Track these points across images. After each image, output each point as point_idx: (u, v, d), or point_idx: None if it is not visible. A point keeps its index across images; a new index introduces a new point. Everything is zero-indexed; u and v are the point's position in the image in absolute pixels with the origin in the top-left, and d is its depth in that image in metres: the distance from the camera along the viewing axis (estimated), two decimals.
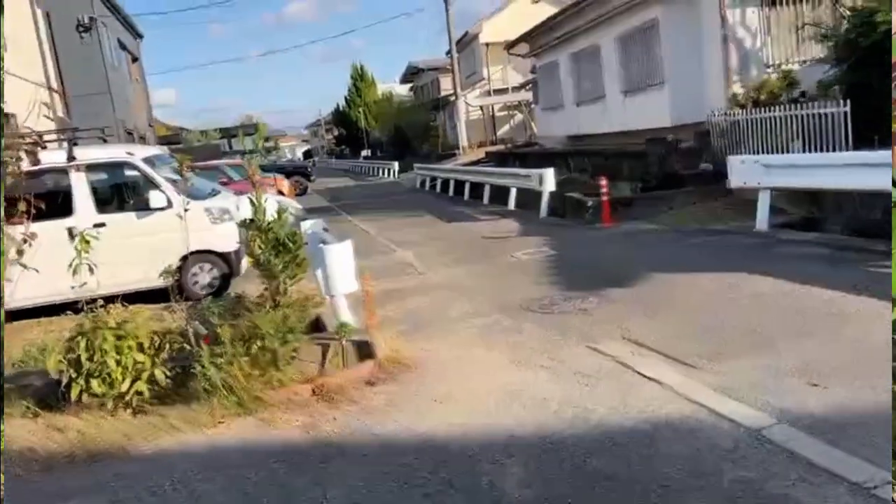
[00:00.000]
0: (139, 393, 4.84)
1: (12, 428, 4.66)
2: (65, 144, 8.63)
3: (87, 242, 5.25)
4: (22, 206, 5.57)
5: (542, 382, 4.79)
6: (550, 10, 22.02)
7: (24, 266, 5.32)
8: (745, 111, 11.84)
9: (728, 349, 4.93)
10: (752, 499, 3.08)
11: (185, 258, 8.74)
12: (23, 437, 4.56)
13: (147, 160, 9.01)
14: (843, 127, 9.58)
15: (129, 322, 4.88)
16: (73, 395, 4.76)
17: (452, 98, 37.17)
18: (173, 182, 8.86)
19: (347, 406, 4.75)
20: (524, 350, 5.55)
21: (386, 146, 52.71)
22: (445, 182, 22.32)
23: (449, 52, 36.04)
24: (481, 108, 37.35)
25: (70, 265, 5.22)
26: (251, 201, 5.68)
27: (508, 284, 8.04)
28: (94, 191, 8.74)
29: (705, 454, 3.51)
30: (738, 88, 12.86)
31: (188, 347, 4.98)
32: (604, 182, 11.69)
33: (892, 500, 2.91)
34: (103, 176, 9.16)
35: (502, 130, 37.15)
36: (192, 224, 8.53)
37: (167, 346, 5.03)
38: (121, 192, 9.36)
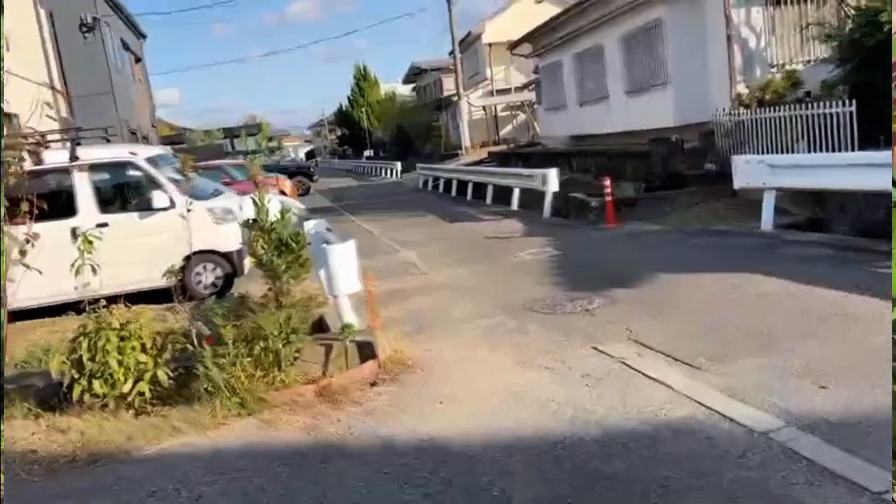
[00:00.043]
0: (141, 393, 4.82)
1: (14, 429, 4.65)
2: (68, 144, 8.62)
3: (90, 243, 5.24)
4: (25, 207, 5.55)
5: (547, 384, 4.76)
6: (553, 10, 21.98)
7: (27, 266, 5.30)
8: (749, 111, 11.79)
9: (733, 350, 4.90)
10: None
11: (188, 258, 8.74)
12: (25, 438, 4.55)
13: (150, 160, 9.01)
14: (849, 127, 9.53)
15: (132, 322, 4.87)
16: (75, 395, 4.75)
17: (455, 98, 37.14)
18: (176, 182, 8.86)
19: (351, 407, 4.73)
20: (528, 351, 5.52)
21: (389, 146, 52.73)
22: (448, 182, 22.30)
23: (452, 53, 36.03)
24: (484, 108, 37.33)
25: (73, 265, 5.21)
26: (254, 201, 5.66)
27: (512, 285, 8.01)
28: (97, 191, 8.74)
29: (712, 457, 3.48)
30: (742, 88, 12.80)
31: (191, 348, 4.97)
32: (607, 182, 11.66)
33: (893, 500, 2.90)
34: (106, 176, 9.16)
35: (505, 130, 37.12)
36: (195, 224, 8.54)
37: (170, 346, 5.02)
38: (124, 192, 9.36)
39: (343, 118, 71.27)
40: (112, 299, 5.25)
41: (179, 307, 5.54)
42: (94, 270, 5.25)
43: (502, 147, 31.31)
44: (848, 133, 9.56)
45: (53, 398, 5.03)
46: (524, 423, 4.18)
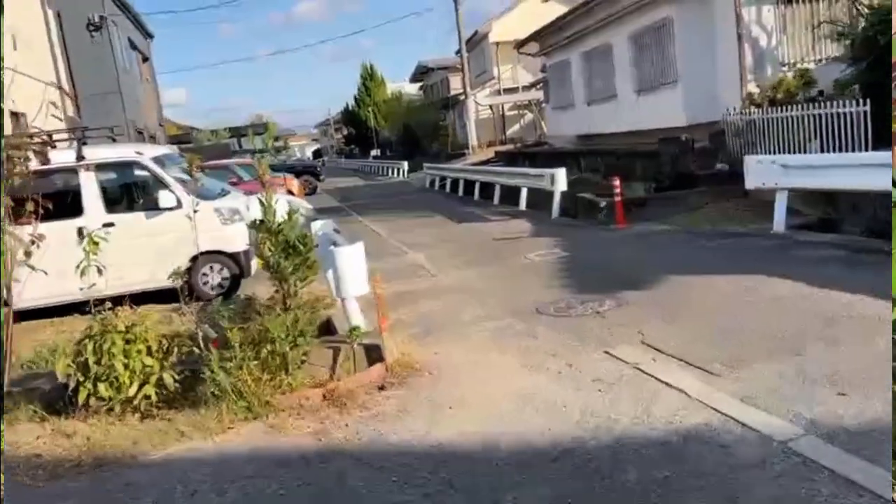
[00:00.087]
0: (147, 397, 4.76)
1: (19, 433, 4.60)
2: (74, 144, 8.59)
3: (96, 244, 5.19)
4: (30, 207, 5.50)
5: (559, 389, 4.67)
6: (560, 9, 21.87)
7: (32, 268, 5.25)
8: (761, 110, 11.67)
9: (749, 355, 4.80)
10: None
11: (194, 259, 8.70)
12: (30, 442, 4.50)
13: (156, 160, 8.96)
14: (863, 127, 9.40)
15: (138, 325, 4.81)
16: (81, 399, 4.69)
17: (462, 97, 37.03)
18: (183, 182, 8.81)
19: (359, 412, 4.66)
20: (539, 355, 5.44)
21: (395, 146, 52.65)
22: (455, 182, 22.22)
23: (459, 52, 35.92)
24: (491, 107, 37.22)
25: (78, 266, 5.17)
26: (261, 202, 5.59)
27: (521, 287, 7.93)
28: (104, 190, 8.70)
29: (729, 467, 3.39)
30: (753, 87, 12.68)
31: (197, 351, 4.91)
32: (617, 182, 11.55)
33: (893, 500, 2.85)
34: (112, 175, 9.12)
35: (512, 130, 37.01)
36: (202, 224, 8.50)
37: (176, 349, 4.95)
38: (130, 192, 9.32)
39: (350, 117, 71.22)
40: (119, 299, 5.21)
41: (186, 309, 5.48)
42: (99, 272, 5.21)
43: (509, 146, 31.22)
44: (862, 133, 9.44)
45: (59, 401, 4.98)
46: (535, 428, 4.10)
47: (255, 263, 8.41)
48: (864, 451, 3.32)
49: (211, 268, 8.96)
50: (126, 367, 4.69)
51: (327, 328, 6.61)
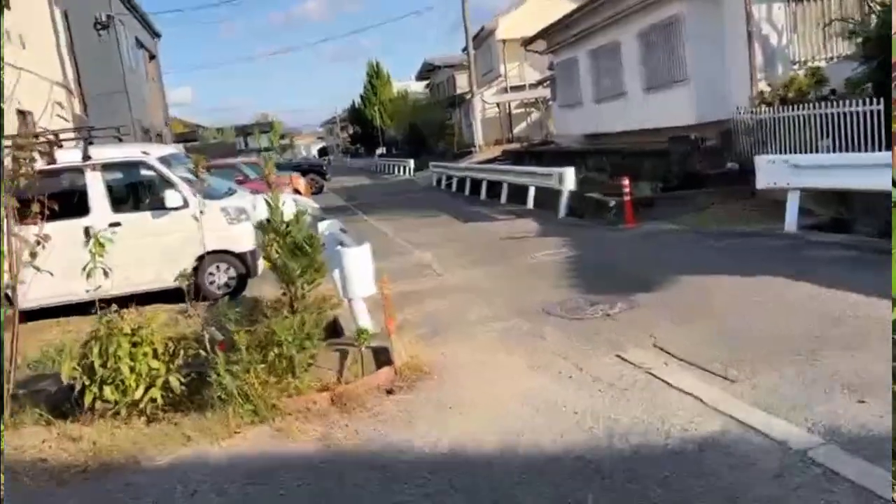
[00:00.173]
0: (153, 400, 4.71)
1: (24, 437, 4.56)
2: (80, 144, 8.56)
3: (102, 245, 5.15)
4: (36, 208, 5.46)
5: (570, 394, 4.60)
6: (568, 5, 21.75)
7: (38, 269, 5.20)
8: (771, 109, 11.55)
9: (764, 360, 4.70)
10: None
11: (201, 258, 8.67)
12: (35, 446, 4.45)
13: (162, 159, 8.93)
14: (876, 126, 9.28)
15: (144, 328, 4.76)
16: (87, 402, 4.65)
17: (468, 95, 36.96)
18: (189, 181, 8.77)
19: (366, 416, 4.60)
20: (547, 357, 5.37)
21: (401, 144, 52.59)
22: (461, 181, 22.13)
23: (465, 49, 35.83)
24: (497, 105, 37.09)
25: (84, 268, 5.13)
26: (268, 203, 5.54)
27: (528, 287, 7.86)
28: (110, 190, 8.68)
29: (747, 477, 3.31)
30: (763, 86, 12.56)
31: (203, 353, 4.85)
32: (626, 181, 11.45)
33: (893, 500, 2.81)
34: (119, 175, 9.10)
35: (519, 128, 36.87)
36: (209, 224, 8.46)
37: (182, 351, 4.90)
38: (136, 192, 9.30)
39: (356, 116, 71.24)
40: (125, 299, 5.16)
41: (193, 311, 5.43)
42: (105, 273, 5.17)
43: (516, 145, 31.10)
44: (874, 132, 9.32)
45: (65, 403, 4.93)
46: (547, 435, 4.03)
47: (261, 263, 8.37)
48: (886, 461, 3.23)
49: (217, 267, 8.92)
50: (132, 370, 4.64)
51: (334, 329, 6.56)
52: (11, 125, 8.05)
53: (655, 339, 5.41)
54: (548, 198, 14.40)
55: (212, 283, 8.87)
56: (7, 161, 5.40)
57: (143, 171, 8.97)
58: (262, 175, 15.47)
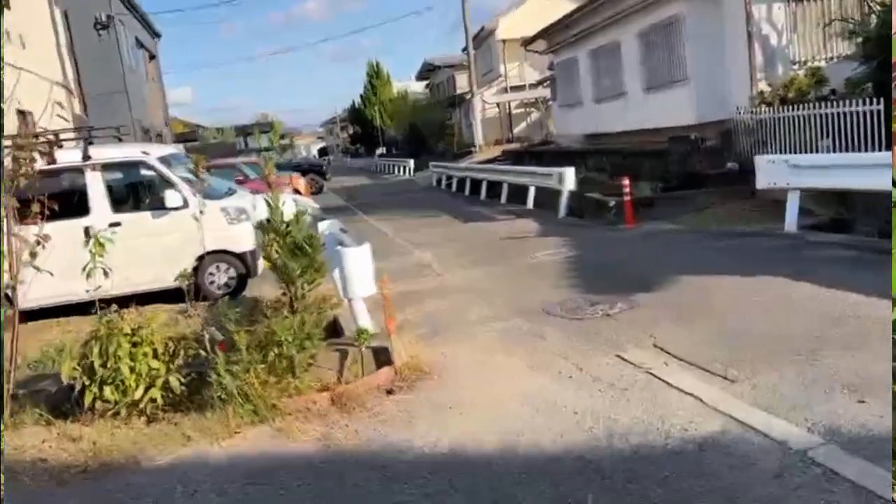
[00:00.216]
0: (153, 400, 4.71)
1: (25, 437, 4.56)
2: (80, 143, 8.56)
3: (102, 245, 5.15)
4: (36, 208, 5.45)
5: (570, 394, 4.60)
6: (568, 6, 21.74)
7: (38, 269, 5.20)
8: (771, 109, 11.55)
9: (764, 359, 4.70)
10: None
11: (201, 258, 8.67)
12: (35, 446, 4.45)
13: (162, 159, 8.93)
14: (876, 126, 9.28)
15: (144, 328, 4.76)
16: (87, 402, 4.65)
17: (468, 95, 36.96)
18: (189, 181, 8.77)
19: (366, 416, 4.59)
20: (547, 357, 5.37)
21: (401, 144, 52.59)
22: (461, 181, 22.14)
23: (465, 49, 35.83)
24: (497, 105, 37.08)
25: (84, 268, 5.13)
26: (268, 203, 5.54)
27: (528, 286, 7.86)
28: (110, 190, 8.67)
29: (747, 478, 3.31)
30: (763, 86, 12.56)
31: (203, 353, 4.85)
32: (626, 182, 11.45)
33: (893, 500, 2.80)
34: (119, 175, 9.09)
35: (519, 128, 36.87)
36: (209, 224, 8.46)
37: (182, 352, 4.90)
38: (136, 192, 9.30)
39: (356, 116, 71.23)
40: (124, 300, 5.16)
41: (193, 311, 5.43)
42: (105, 274, 5.17)
43: (516, 145, 31.10)
44: (875, 132, 9.32)
45: (65, 403, 4.93)
46: (547, 435, 4.03)
47: (261, 263, 8.37)
48: (886, 461, 3.23)
49: (217, 267, 8.91)
50: (132, 370, 4.64)
51: (334, 328, 6.56)
52: (12, 125, 8.05)
53: (655, 339, 5.41)
54: (548, 198, 14.40)
55: (212, 283, 8.87)
56: (7, 161, 5.40)
57: (143, 171, 8.97)
58: (262, 175, 15.48)
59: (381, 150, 57.42)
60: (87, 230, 7.61)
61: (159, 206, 8.55)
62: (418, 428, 4.36)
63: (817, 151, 10.18)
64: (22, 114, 10.00)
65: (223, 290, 8.84)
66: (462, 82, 41.25)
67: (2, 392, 4.14)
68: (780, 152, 10.80)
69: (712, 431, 3.81)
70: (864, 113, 9.46)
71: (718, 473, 3.38)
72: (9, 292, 5.33)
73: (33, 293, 6.01)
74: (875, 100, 9.35)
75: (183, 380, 4.78)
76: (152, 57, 27.32)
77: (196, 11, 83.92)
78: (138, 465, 4.20)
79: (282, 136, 68.69)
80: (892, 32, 7.83)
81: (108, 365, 4.59)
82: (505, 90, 36.25)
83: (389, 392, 5.00)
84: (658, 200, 12.44)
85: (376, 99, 62.54)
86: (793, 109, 10.88)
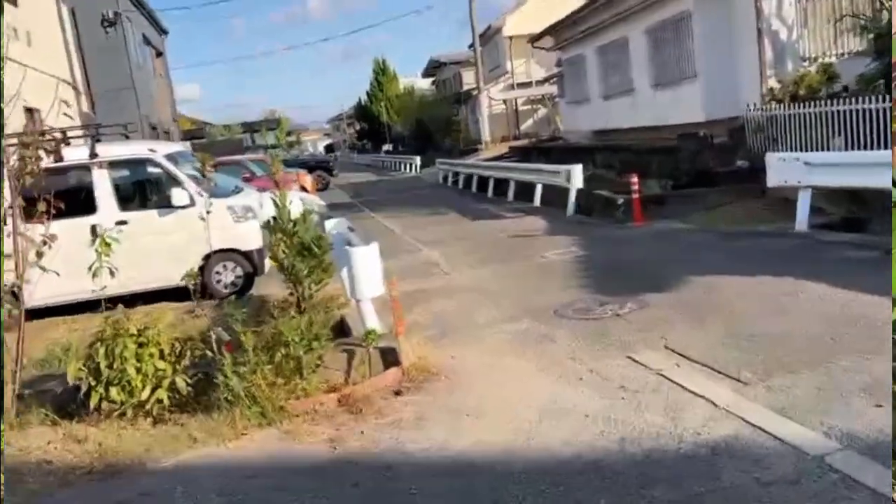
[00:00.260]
0: (160, 401, 4.68)
1: (30, 438, 4.53)
2: (88, 141, 8.53)
3: (108, 245, 5.11)
4: (42, 207, 5.42)
5: (581, 396, 4.54)
6: (575, 2, 21.60)
7: (44, 269, 5.17)
8: (782, 106, 11.43)
9: (777, 362, 4.63)
10: None
11: (207, 257, 8.61)
12: (41, 447, 4.42)
13: (169, 157, 8.90)
14: (890, 123, 9.16)
15: (150, 328, 4.72)
16: (93, 403, 4.61)
17: (475, 92, 36.88)
18: (196, 179, 8.73)
19: (375, 419, 4.55)
20: (557, 359, 5.30)
21: (408, 140, 52.52)
22: (468, 177, 22.04)
23: (471, 46, 35.73)
24: (504, 102, 36.99)
25: (90, 268, 5.09)
26: (275, 202, 5.49)
27: (537, 286, 7.79)
28: (117, 188, 8.65)
29: (761, 484, 3.24)
30: (773, 82, 12.43)
31: (210, 354, 4.81)
32: (635, 179, 11.36)
33: (893, 499, 2.77)
34: (126, 173, 9.07)
35: (526, 125, 36.77)
36: (215, 222, 8.35)
37: (188, 352, 4.86)
38: (143, 190, 9.27)
39: (362, 112, 71.13)
40: (132, 298, 5.12)
41: (199, 311, 5.39)
42: (111, 273, 5.13)
43: (523, 141, 30.99)
44: (888, 129, 9.20)
45: (71, 404, 4.90)
46: (557, 438, 3.97)
47: (268, 261, 8.33)
48: None
49: (224, 266, 8.88)
50: (138, 370, 4.60)
51: (341, 329, 6.51)
52: (19, 122, 8.04)
53: (666, 341, 5.34)
54: (555, 195, 14.31)
55: (218, 281, 8.84)
56: (13, 159, 5.37)
57: (150, 169, 8.94)
58: (269, 172, 15.45)
59: (387, 147, 57.35)
60: (93, 228, 7.59)
61: (166, 205, 8.53)
62: (427, 430, 4.31)
63: (829, 149, 10.06)
64: (29, 111, 10.00)
65: (230, 288, 8.82)
66: (468, 79, 41.18)
67: (2, 392, 4.11)
68: (792, 150, 10.68)
69: (726, 435, 3.75)
70: (877, 110, 9.34)
71: (732, 479, 3.31)
72: (15, 290, 5.31)
73: (40, 292, 5.99)
74: (887, 97, 9.22)
75: (189, 381, 4.74)
76: (159, 54, 27.34)
77: (202, 9, 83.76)
78: (146, 468, 4.16)
79: (289, 133, 68.60)
80: (893, 32, 7.74)
81: (115, 366, 4.55)
82: (512, 87, 36.15)
83: (397, 393, 4.95)
84: (667, 198, 12.33)
85: (383, 95, 62.41)
86: (804, 106, 10.75)
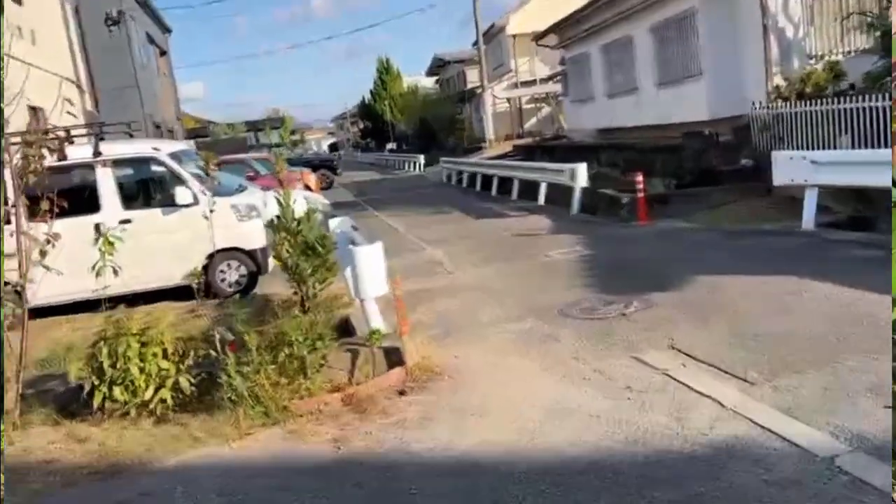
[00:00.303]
0: (163, 401, 4.67)
1: (32, 437, 4.52)
2: (91, 139, 8.52)
3: (112, 244, 5.10)
4: (45, 205, 5.41)
5: (586, 396, 4.51)
6: (578, 1, 21.54)
7: (47, 268, 5.16)
8: (788, 104, 11.37)
9: (784, 362, 4.60)
10: None
11: (211, 256, 8.60)
12: (43, 447, 4.41)
13: (173, 156, 8.88)
14: None
15: (153, 328, 4.70)
16: (96, 402, 4.61)
17: (479, 90, 36.81)
18: (199, 178, 8.71)
19: (379, 419, 4.53)
20: (562, 359, 5.27)
21: (411, 139, 52.49)
22: (472, 176, 22.00)
23: (475, 44, 35.66)
24: (508, 100, 36.92)
25: (93, 267, 5.08)
26: (278, 202, 5.47)
27: (541, 285, 7.76)
28: (121, 187, 8.64)
29: (769, 485, 3.21)
30: (779, 80, 12.35)
31: (213, 354, 4.80)
32: (639, 178, 11.31)
33: (893, 500, 2.75)
34: (129, 171, 9.06)
35: (529, 123, 36.69)
36: (219, 221, 8.36)
37: (192, 352, 4.85)
38: (147, 188, 9.26)
39: (366, 111, 71.16)
40: (136, 296, 5.11)
41: (203, 310, 5.37)
42: (115, 272, 5.12)
43: (527, 140, 30.91)
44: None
45: (73, 403, 4.90)
46: (562, 438, 3.95)
47: (272, 260, 8.31)
48: None
49: (228, 265, 8.86)
50: (141, 370, 4.59)
51: (345, 328, 6.49)
52: (23, 121, 8.02)
53: (672, 340, 5.30)
54: (559, 194, 14.27)
55: (222, 280, 8.83)
56: (17, 158, 5.37)
57: (154, 168, 8.92)
58: (272, 171, 15.42)
59: (391, 146, 57.31)
60: (97, 227, 7.58)
61: (170, 203, 8.51)
62: (431, 430, 4.29)
63: (836, 148, 10.00)
64: (33, 110, 9.99)
65: (234, 287, 8.81)
66: (472, 77, 41.10)
67: (2, 392, 4.10)
68: (798, 148, 10.62)
69: (732, 436, 3.72)
70: (884, 109, 9.27)
71: (739, 481, 3.28)
72: (19, 289, 5.30)
73: (43, 291, 5.99)
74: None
75: (193, 380, 4.73)
76: (163, 52, 27.34)
77: (206, 8, 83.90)
78: (148, 469, 4.15)
79: (292, 132, 68.66)
80: (893, 32, 7.69)
81: (118, 365, 4.54)
82: (515, 85, 36.07)
83: (401, 393, 4.93)
84: (672, 197, 12.28)
85: (386, 94, 62.39)
86: (810, 104, 10.69)
